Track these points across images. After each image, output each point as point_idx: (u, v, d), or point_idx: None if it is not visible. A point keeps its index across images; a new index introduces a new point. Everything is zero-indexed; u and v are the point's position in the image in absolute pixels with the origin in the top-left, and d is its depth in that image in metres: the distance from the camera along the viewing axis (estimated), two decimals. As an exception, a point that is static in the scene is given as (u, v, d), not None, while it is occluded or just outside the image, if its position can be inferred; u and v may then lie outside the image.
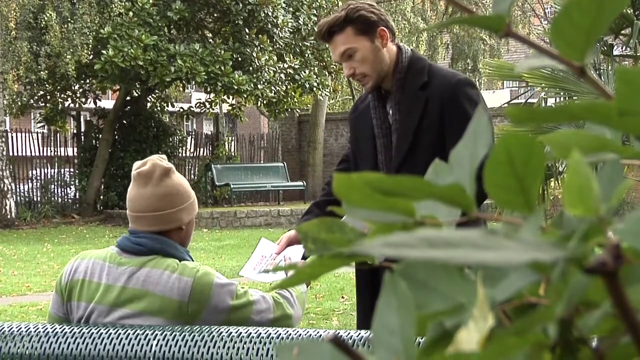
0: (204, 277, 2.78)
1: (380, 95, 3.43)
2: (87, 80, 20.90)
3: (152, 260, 2.81)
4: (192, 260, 2.90)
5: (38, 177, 21.68)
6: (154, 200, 2.84)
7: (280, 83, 20.07)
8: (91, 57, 18.54)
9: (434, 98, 3.30)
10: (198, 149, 24.03)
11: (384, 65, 3.33)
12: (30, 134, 22.32)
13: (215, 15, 20.23)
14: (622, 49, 7.92)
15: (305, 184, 22.23)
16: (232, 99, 21.36)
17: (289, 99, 20.75)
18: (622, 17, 6.59)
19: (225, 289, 2.81)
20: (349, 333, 2.43)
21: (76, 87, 21.08)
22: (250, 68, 19.45)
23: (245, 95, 19.66)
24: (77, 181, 21.69)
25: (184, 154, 23.39)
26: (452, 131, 3.24)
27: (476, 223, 0.75)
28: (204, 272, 2.79)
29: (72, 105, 21.62)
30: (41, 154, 22.14)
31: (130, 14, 18.12)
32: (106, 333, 2.64)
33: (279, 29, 19.70)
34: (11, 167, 20.10)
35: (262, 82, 19.50)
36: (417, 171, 3.28)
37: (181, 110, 22.56)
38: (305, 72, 20.51)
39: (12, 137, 21.68)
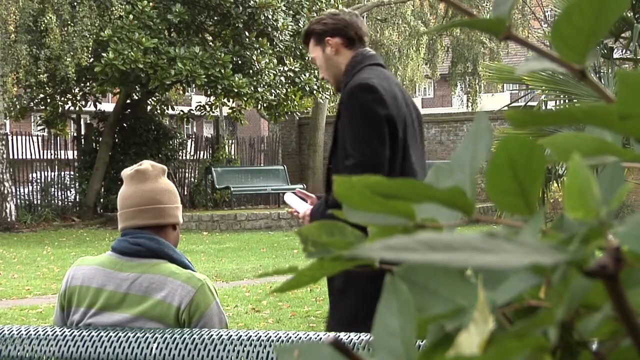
0: (207, 293, 2.80)
1: None
2: (87, 83, 20.92)
3: (154, 265, 2.82)
4: (190, 263, 2.91)
5: (38, 180, 21.67)
6: (155, 194, 2.89)
7: (280, 86, 20.07)
8: (91, 60, 18.54)
9: (342, 100, 3.62)
10: (198, 152, 24.03)
11: (338, 71, 3.67)
12: (30, 137, 22.32)
13: (216, 18, 20.24)
14: (622, 52, 7.93)
15: (305, 186, 22.21)
16: (232, 102, 21.37)
17: (289, 102, 20.75)
18: (622, 20, 6.60)
19: (220, 316, 2.84)
20: (349, 336, 2.43)
21: (76, 90, 21.09)
22: (251, 71, 19.45)
23: (245, 98, 19.68)
24: (77, 184, 21.69)
25: (184, 157, 23.39)
26: (341, 131, 3.54)
27: None
28: (209, 288, 2.81)
29: (72, 108, 21.63)
30: (41, 157, 22.13)
31: (131, 16, 18.13)
32: (106, 336, 2.64)
33: (279, 32, 19.71)
34: (11, 170, 20.09)
35: (262, 85, 19.50)
36: (334, 166, 3.57)
37: (181, 113, 22.57)
38: (305, 75, 20.52)
39: (12, 140, 21.68)
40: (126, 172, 2.94)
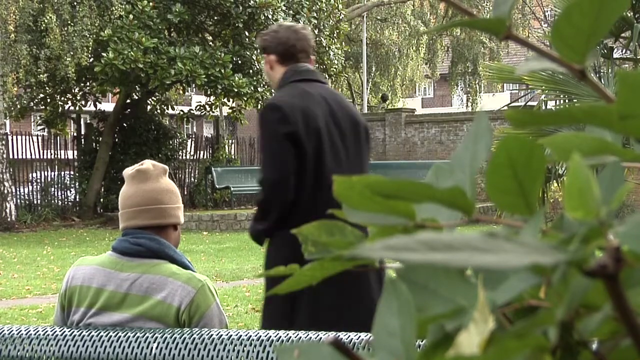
0: (208, 294, 2.80)
1: None
2: (87, 83, 20.91)
3: (155, 266, 2.82)
4: (190, 264, 2.91)
5: (38, 180, 21.67)
6: (156, 194, 2.89)
7: (280, 86, 20.05)
8: (91, 59, 18.54)
9: None
10: (198, 152, 24.04)
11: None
12: (30, 137, 22.32)
13: (216, 18, 20.24)
14: (622, 52, 7.93)
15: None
16: (232, 101, 21.37)
17: (289, 101, 20.72)
18: (622, 20, 6.59)
19: (220, 317, 2.84)
20: (349, 335, 2.43)
21: (76, 89, 21.08)
22: (251, 71, 19.45)
23: (245, 98, 19.67)
24: (77, 184, 21.69)
25: (184, 157, 23.40)
26: None
27: None
28: (209, 289, 2.81)
29: (72, 108, 21.62)
30: (41, 156, 22.12)
31: (131, 16, 18.13)
32: (106, 336, 2.64)
33: (279, 31, 19.69)
34: (11, 169, 20.09)
35: (262, 85, 19.50)
36: None
37: (181, 113, 22.56)
38: (305, 75, 20.48)
39: (12, 139, 21.68)
40: (127, 172, 2.94)
